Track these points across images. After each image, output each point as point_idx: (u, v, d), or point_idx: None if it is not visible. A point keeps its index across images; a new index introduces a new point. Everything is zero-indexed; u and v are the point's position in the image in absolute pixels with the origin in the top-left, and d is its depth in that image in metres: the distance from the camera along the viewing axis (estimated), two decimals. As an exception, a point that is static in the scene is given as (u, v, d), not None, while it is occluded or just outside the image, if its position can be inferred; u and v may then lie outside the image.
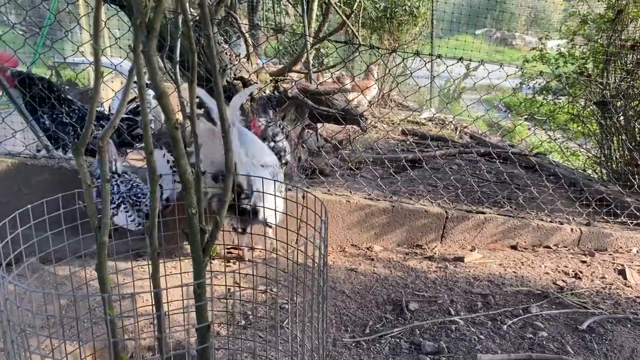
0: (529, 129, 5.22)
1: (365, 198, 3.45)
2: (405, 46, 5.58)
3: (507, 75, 3.24)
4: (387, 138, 5.40)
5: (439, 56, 3.42)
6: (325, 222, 1.33)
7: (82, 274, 1.77)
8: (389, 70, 3.95)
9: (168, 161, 2.87)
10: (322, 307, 1.36)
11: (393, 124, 5.80)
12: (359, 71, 5.63)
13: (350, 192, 3.48)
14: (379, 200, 3.48)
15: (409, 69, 3.41)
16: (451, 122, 5.80)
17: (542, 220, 3.55)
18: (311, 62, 5.19)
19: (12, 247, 1.31)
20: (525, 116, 5.55)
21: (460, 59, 3.36)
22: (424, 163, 4.05)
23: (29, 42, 3.26)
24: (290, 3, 6.91)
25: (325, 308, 1.39)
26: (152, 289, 1.37)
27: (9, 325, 1.17)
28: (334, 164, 4.39)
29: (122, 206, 3.00)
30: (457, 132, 5.67)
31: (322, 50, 6.39)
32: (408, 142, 5.21)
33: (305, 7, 4.91)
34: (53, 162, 3.28)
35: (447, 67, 3.33)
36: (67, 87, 5.30)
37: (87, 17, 4.43)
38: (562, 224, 3.56)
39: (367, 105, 5.31)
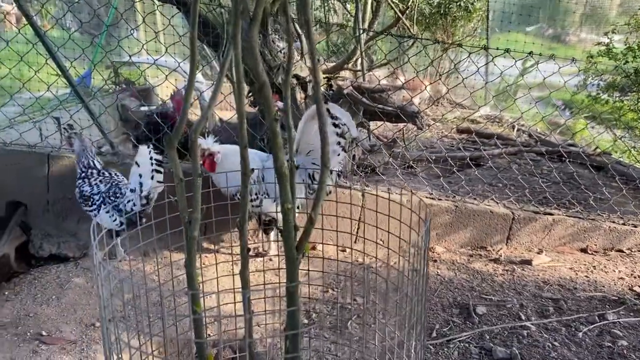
0: (593, 127, 5.00)
1: (427, 197, 3.36)
2: (460, 42, 5.45)
3: (579, 69, 3.09)
4: (441, 136, 5.27)
5: (503, 51, 3.29)
6: (428, 225, 1.26)
7: (157, 270, 1.76)
8: (454, 65, 3.83)
9: (151, 158, 2.82)
10: (422, 313, 1.29)
11: (447, 122, 5.67)
12: (408, 71, 5.52)
13: (412, 191, 3.39)
14: (440, 199, 3.38)
15: (471, 60, 3.29)
16: (508, 120, 5.63)
17: (614, 222, 3.38)
18: (364, 59, 5.11)
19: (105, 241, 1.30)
20: (586, 114, 5.33)
21: (507, 50, 3.23)
22: (488, 162, 3.92)
23: (85, 45, 3.32)
24: (339, 1, 6.85)
25: (423, 313, 1.32)
26: (238, 288, 1.34)
27: (104, 312, 1.16)
28: (385, 163, 4.31)
29: (103, 206, 2.96)
30: (515, 130, 5.49)
31: (371, 48, 6.30)
32: (464, 141, 5.07)
33: (358, 4, 4.84)
34: (117, 159, 3.33)
35: (497, 62, 3.21)
36: (124, 85, 5.40)
37: (142, 19, 4.50)
38: (635, 226, 3.38)
39: (425, 104, 5.21)
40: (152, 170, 2.81)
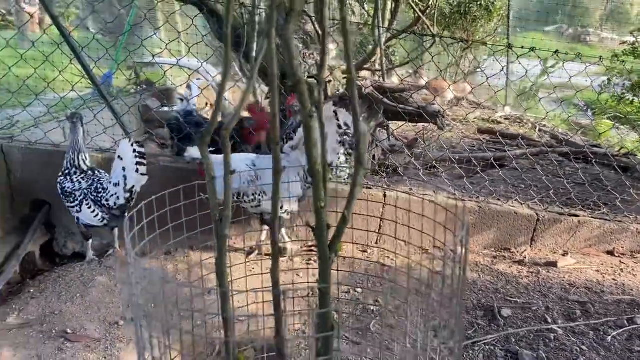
0: (618, 128, 4.91)
1: (450, 198, 3.32)
2: (485, 41, 5.39)
3: (606, 68, 3.02)
4: (463, 137, 5.21)
5: (527, 50, 3.24)
6: (467, 228, 1.23)
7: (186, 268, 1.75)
8: (478, 65, 3.77)
9: (134, 150, 2.80)
10: (459, 317, 1.26)
11: (468, 122, 5.61)
12: (431, 69, 5.47)
13: (434, 192, 3.35)
14: (464, 200, 3.33)
15: (495, 59, 3.24)
16: (529, 120, 5.55)
17: (642, 224, 3.30)
18: (384, 59, 5.08)
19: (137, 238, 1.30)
20: (609, 115, 5.23)
21: (532, 49, 3.18)
22: (512, 162, 3.86)
23: (107, 46, 3.34)
24: (358, 2, 6.82)
25: (460, 319, 1.29)
26: (269, 287, 1.32)
27: (137, 307, 1.14)
28: (407, 163, 4.27)
29: (85, 203, 2.96)
30: (537, 131, 5.41)
31: (390, 49, 6.27)
32: (485, 141, 5.01)
33: (377, 3, 4.81)
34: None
35: (518, 62, 3.16)
36: (144, 86, 5.44)
37: (165, 20, 4.52)
38: (664, 229, 3.30)
39: (445, 105, 5.16)
40: (136, 163, 2.80)
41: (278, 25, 1.07)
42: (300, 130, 2.80)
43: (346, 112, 2.81)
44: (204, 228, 1.51)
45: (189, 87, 3.34)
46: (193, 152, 2.90)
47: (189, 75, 3.50)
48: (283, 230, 3.16)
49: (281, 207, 2.84)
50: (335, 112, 2.66)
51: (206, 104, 3.50)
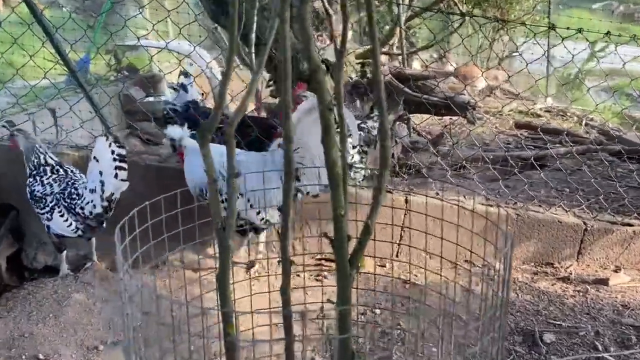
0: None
1: (482, 204, 3.32)
2: (523, 21, 5.36)
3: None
4: (496, 132, 5.21)
5: (574, 31, 3.24)
6: (511, 241, 1.24)
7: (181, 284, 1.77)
8: (516, 48, 3.76)
9: (113, 152, 2.79)
10: (500, 343, 1.26)
11: (502, 115, 5.59)
12: (459, 54, 5.47)
13: (465, 196, 3.35)
14: (499, 206, 3.33)
15: (535, 42, 3.24)
16: (574, 113, 5.54)
17: None
18: (404, 41, 5.09)
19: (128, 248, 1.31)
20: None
21: (579, 31, 3.17)
22: (556, 162, 3.86)
23: (85, 26, 3.37)
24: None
25: (502, 344, 1.29)
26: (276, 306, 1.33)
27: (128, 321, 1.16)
28: (432, 163, 4.27)
29: (57, 210, 2.97)
30: (583, 125, 5.40)
31: (411, 29, 6.27)
32: (523, 138, 5.00)
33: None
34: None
35: (561, 45, 3.16)
36: (127, 72, 5.47)
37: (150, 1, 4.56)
38: None
39: (477, 95, 5.16)
40: (115, 167, 2.79)
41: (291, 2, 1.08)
42: (309, 127, 2.79)
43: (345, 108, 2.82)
44: (197, 240, 1.52)
45: (185, 74, 3.36)
46: (172, 131, 2.91)
47: (180, 61, 3.51)
48: (261, 245, 3.14)
49: (258, 213, 2.83)
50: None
51: (202, 95, 3.52)
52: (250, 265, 3.06)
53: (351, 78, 4.45)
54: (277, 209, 2.87)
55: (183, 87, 3.51)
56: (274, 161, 2.84)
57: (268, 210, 2.81)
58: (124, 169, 2.81)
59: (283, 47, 1.14)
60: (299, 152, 2.77)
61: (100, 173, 2.82)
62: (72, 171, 3.09)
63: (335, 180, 1.17)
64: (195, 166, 3.00)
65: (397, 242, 3.24)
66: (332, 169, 1.17)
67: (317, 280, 3.08)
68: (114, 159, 2.79)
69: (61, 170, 3.06)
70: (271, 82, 4.46)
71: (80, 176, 3.07)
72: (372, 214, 1.23)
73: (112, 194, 2.85)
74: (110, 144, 2.79)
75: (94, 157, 2.85)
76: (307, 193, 2.90)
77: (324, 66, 1.58)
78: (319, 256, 3.22)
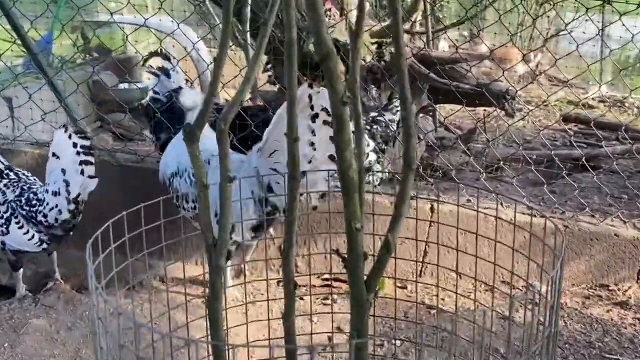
0: None
1: (524, 214, 3.31)
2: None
3: None
4: (540, 127, 5.19)
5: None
6: (562, 259, 1.25)
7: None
8: (566, 25, 3.73)
9: (75, 144, 2.78)
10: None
11: (547, 106, 5.58)
12: (496, 33, 5.45)
13: (502, 204, 3.35)
14: (543, 216, 3.32)
15: (588, 18, 3.22)
16: (633, 104, 5.51)
17: None
18: (429, 17, 5.09)
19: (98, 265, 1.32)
20: None
21: None
22: (613, 163, 3.84)
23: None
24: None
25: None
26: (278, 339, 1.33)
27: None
28: (463, 164, 4.27)
29: (14, 220, 2.95)
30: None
31: (438, 3, 6.27)
32: (572, 133, 4.99)
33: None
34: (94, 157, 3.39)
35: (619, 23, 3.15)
36: (96, 54, 5.49)
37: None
38: None
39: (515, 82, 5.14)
40: (80, 162, 2.79)
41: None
42: (273, 124, 2.73)
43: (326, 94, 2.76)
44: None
45: (166, 57, 3.35)
46: None
47: (160, 41, 3.51)
48: (228, 271, 3.11)
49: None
50: (310, 96, 2.60)
51: (187, 82, 3.51)
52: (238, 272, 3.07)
53: (365, 61, 4.46)
54: (250, 229, 2.83)
55: (164, 72, 3.51)
56: (247, 169, 2.79)
57: (236, 227, 2.76)
58: (91, 163, 2.82)
59: (288, 25, 1.15)
60: (273, 157, 2.71)
61: (63, 171, 2.81)
62: (24, 174, 3.10)
63: (350, 186, 1.18)
64: (169, 152, 3.03)
65: (421, 259, 3.24)
66: (345, 173, 1.17)
67: (324, 304, 3.08)
68: (78, 153, 2.78)
69: (11, 174, 3.06)
70: (269, 66, 4.47)
71: (34, 179, 3.08)
72: (393, 227, 1.23)
73: (79, 195, 2.86)
74: (70, 135, 2.79)
75: (53, 154, 2.84)
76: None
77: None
78: (326, 275, 3.22)
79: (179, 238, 1.56)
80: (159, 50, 3.35)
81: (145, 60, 3.62)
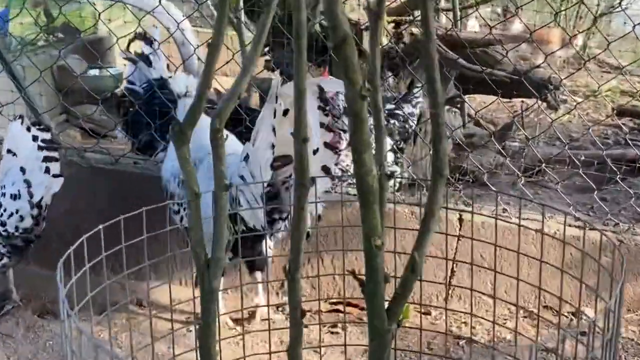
0: None
1: (570, 226, 3.32)
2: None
3: None
4: (589, 122, 5.20)
5: None
6: (622, 283, 1.25)
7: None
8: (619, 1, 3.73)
9: (35, 138, 2.78)
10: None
11: (598, 97, 5.56)
12: (534, 11, 5.45)
13: (544, 214, 3.35)
14: (593, 228, 3.32)
15: None
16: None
17: None
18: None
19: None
20: None
21: None
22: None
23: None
24: None
25: None
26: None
27: None
28: (497, 166, 4.27)
29: None
30: None
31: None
32: (627, 130, 4.98)
33: None
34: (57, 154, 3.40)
35: None
36: (61, 35, 5.49)
37: None
38: None
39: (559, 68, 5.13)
40: (43, 158, 2.80)
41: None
42: (261, 118, 2.72)
43: (336, 82, 2.76)
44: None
45: (147, 40, 3.35)
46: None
47: (139, 20, 3.52)
48: (220, 295, 3.10)
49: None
50: (319, 86, 2.62)
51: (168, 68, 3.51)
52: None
53: (381, 44, 4.48)
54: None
55: (144, 58, 3.51)
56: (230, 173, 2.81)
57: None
58: (55, 159, 2.82)
59: (297, 5, 1.15)
60: (244, 165, 2.71)
61: (22, 170, 2.82)
62: None
63: (369, 196, 1.18)
64: (170, 154, 3.01)
65: (448, 280, 3.24)
66: (364, 180, 1.18)
67: (332, 332, 3.09)
68: (40, 148, 2.80)
69: None
70: (267, 49, 4.47)
71: None
72: (420, 245, 1.24)
73: (42, 198, 2.86)
74: (28, 127, 2.80)
75: (8, 150, 2.84)
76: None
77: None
78: (335, 299, 3.23)
79: (163, 256, 1.56)
80: (141, 32, 3.36)
81: (129, 45, 3.62)
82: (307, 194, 1.28)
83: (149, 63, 3.46)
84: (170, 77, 3.47)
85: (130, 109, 3.41)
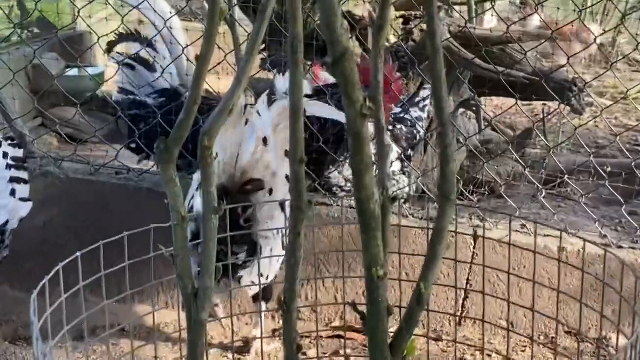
0: None
1: (594, 244, 3.33)
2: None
3: None
4: (615, 129, 5.20)
5: None
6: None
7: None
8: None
9: (5, 155, 2.78)
10: None
11: (627, 100, 5.57)
12: (555, 7, 5.45)
13: (568, 231, 3.36)
14: (621, 247, 3.34)
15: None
16: None
17: None
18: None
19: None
20: None
21: None
22: None
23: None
24: None
25: None
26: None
27: None
28: (515, 177, 4.28)
29: None
30: None
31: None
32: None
33: None
34: (30, 165, 3.41)
35: None
36: (36, 30, 5.51)
37: None
38: None
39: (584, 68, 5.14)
40: (10, 179, 2.79)
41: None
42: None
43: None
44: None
45: (143, 41, 3.31)
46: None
47: (122, 17, 3.54)
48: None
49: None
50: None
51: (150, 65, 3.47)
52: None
53: (388, 42, 4.49)
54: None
55: (145, 64, 3.46)
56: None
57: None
58: (25, 181, 2.82)
59: (293, 17, 1.18)
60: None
61: None
62: None
63: (371, 222, 1.20)
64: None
65: (461, 305, 3.25)
66: (365, 205, 1.20)
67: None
68: (8, 167, 2.80)
69: None
70: (262, 47, 4.49)
71: None
72: (427, 273, 1.25)
73: (7, 222, 2.86)
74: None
75: None
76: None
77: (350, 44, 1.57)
78: (336, 323, 3.24)
79: (148, 284, 1.58)
80: (130, 31, 3.33)
81: (112, 46, 3.57)
82: (304, 219, 1.30)
83: (151, 69, 3.42)
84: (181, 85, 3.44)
85: (142, 124, 3.36)
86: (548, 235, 3.28)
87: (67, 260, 1.47)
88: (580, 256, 3.17)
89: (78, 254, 1.49)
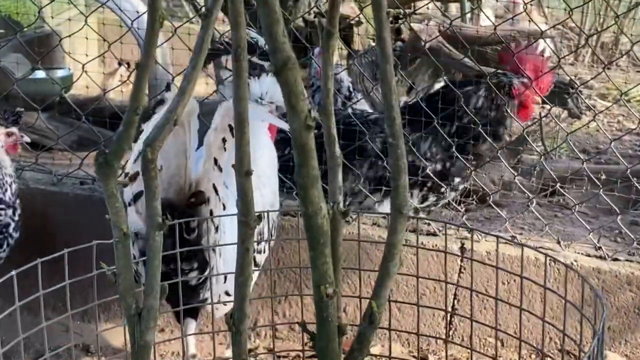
0: None
1: (589, 255, 3.35)
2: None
3: None
4: (616, 133, 5.23)
5: None
6: (602, 323, 1.30)
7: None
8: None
9: None
10: None
11: (627, 102, 5.58)
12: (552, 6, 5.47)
13: (560, 242, 3.39)
14: (617, 259, 3.35)
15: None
16: None
17: None
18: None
19: None
20: None
21: None
22: None
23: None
24: None
25: None
26: None
27: None
28: (506, 186, 4.29)
29: None
30: None
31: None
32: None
33: None
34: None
35: None
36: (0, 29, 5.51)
37: None
38: None
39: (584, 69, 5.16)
40: None
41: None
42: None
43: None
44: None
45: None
46: None
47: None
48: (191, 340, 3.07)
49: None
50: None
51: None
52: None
53: (373, 42, 4.52)
54: None
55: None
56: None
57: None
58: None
59: (235, 24, 1.20)
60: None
61: None
62: None
63: (318, 238, 1.22)
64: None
65: (449, 316, 3.27)
66: (312, 220, 1.22)
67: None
68: None
69: None
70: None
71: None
72: (379, 291, 1.27)
73: None
74: None
75: None
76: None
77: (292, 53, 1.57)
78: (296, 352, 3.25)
79: (115, 296, 1.60)
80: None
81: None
82: (252, 234, 1.32)
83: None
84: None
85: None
86: (540, 247, 3.29)
87: (23, 268, 1.49)
88: (576, 267, 3.20)
89: (13, 272, 1.50)
